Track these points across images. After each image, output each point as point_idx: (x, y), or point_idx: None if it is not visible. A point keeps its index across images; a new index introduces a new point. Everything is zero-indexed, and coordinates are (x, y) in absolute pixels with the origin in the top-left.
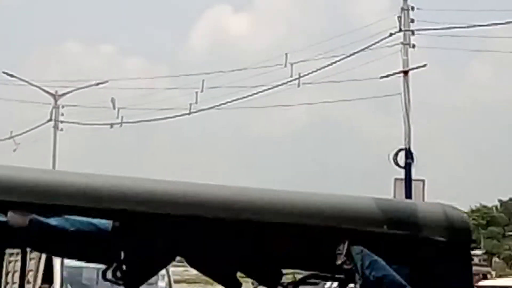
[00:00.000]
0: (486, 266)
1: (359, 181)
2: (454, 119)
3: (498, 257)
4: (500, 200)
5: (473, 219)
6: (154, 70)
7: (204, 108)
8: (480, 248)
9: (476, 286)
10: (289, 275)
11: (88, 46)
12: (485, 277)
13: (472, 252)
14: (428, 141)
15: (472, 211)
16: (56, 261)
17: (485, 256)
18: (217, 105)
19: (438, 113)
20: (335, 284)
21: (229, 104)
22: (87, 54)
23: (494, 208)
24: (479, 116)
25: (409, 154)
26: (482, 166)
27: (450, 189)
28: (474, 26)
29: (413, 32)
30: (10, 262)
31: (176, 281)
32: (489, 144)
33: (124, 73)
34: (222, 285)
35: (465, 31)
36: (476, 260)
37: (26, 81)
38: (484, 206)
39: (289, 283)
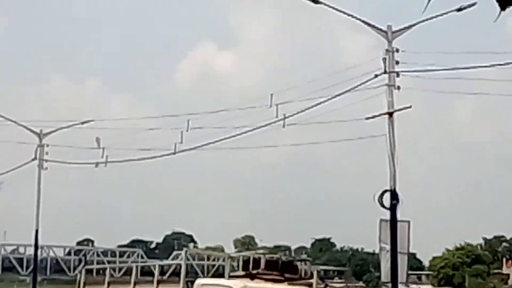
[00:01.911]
0: None
1: (346, 220)
2: (439, 158)
3: None
4: (484, 238)
5: (458, 257)
6: (140, 107)
7: (189, 148)
8: (465, 286)
9: None
10: None
11: (74, 83)
12: None
13: None
14: (413, 181)
15: (457, 249)
16: None
17: None
18: (202, 145)
19: (423, 153)
20: None
21: (213, 144)
22: (72, 91)
23: (478, 246)
24: (463, 155)
25: (394, 195)
26: (466, 205)
27: (436, 228)
28: (458, 68)
29: (398, 74)
30: None
31: None
32: (474, 183)
33: (109, 110)
34: None
35: (450, 73)
36: None
37: (12, 120)
38: (469, 245)
39: None
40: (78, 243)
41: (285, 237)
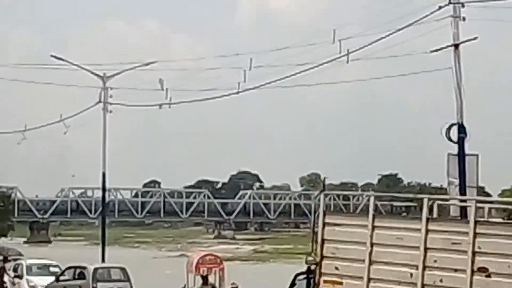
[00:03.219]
0: None
1: (412, 156)
2: (507, 89)
3: None
4: None
5: None
6: (200, 47)
7: (253, 87)
8: None
9: None
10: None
11: (132, 24)
12: None
13: None
14: (481, 114)
15: None
16: None
17: None
18: (265, 84)
19: (489, 86)
20: None
21: (277, 82)
22: (131, 32)
23: None
24: None
25: (461, 129)
26: None
27: (505, 161)
28: None
29: (463, 5)
30: None
31: (229, 259)
32: None
33: (170, 51)
34: None
35: None
36: None
37: (76, 64)
38: None
39: None
40: (145, 185)
41: (351, 174)
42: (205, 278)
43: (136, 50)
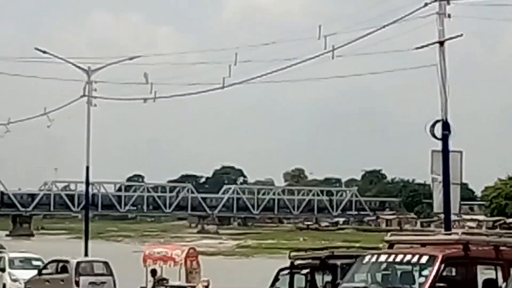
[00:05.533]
0: None
1: (396, 152)
2: (492, 87)
3: None
4: None
5: (511, 186)
6: (185, 41)
7: (238, 82)
8: None
9: None
10: None
11: (118, 17)
12: None
13: (510, 220)
14: (465, 112)
15: (510, 178)
16: None
17: None
18: (250, 79)
19: (474, 83)
20: None
21: (262, 78)
22: (117, 26)
23: None
24: None
25: (446, 126)
26: None
27: (488, 158)
28: None
29: (448, 2)
30: None
31: (212, 254)
32: None
33: (155, 45)
34: None
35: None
36: None
37: (60, 58)
38: None
39: None
40: (128, 179)
41: (335, 169)
42: (154, 272)
43: (121, 44)
